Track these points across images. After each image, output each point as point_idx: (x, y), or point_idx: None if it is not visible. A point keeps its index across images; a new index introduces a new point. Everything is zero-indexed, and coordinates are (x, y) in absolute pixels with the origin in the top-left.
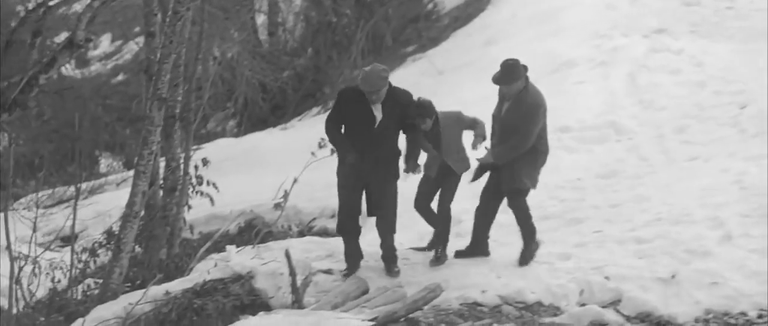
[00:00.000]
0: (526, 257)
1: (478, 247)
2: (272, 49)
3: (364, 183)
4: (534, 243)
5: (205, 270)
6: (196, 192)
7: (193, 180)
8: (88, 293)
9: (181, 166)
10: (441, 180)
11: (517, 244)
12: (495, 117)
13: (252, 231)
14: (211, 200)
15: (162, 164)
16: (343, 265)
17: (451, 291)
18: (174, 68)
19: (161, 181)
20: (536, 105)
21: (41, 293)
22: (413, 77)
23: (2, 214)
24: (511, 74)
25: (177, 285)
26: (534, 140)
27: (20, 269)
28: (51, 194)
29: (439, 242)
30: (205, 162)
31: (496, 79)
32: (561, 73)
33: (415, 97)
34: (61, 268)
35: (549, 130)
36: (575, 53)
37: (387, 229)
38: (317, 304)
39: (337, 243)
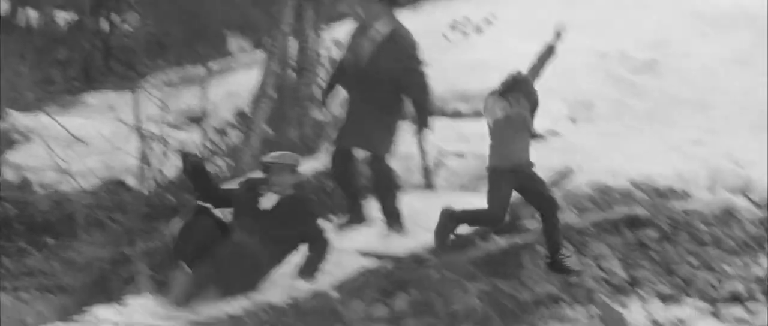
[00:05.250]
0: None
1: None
2: None
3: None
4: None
5: None
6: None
7: (324, 61)
8: (218, 173)
9: (313, 46)
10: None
11: (650, 128)
12: (343, 69)
13: None
14: None
15: (293, 44)
16: (475, 148)
17: (582, 175)
18: None
19: (293, 62)
20: (413, 41)
21: (171, 173)
22: None
23: (132, 94)
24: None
25: (308, 167)
26: None
27: (150, 149)
28: (180, 74)
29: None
30: (336, 43)
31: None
32: None
33: None
34: (192, 148)
35: (684, 14)
36: None
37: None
38: (448, 186)
39: (469, 126)
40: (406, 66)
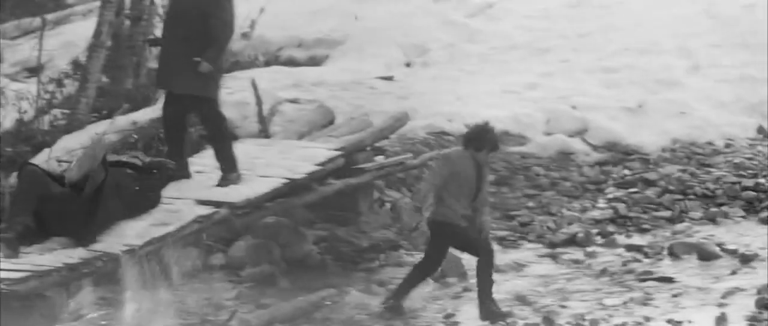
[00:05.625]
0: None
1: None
2: None
3: None
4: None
5: None
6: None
7: (159, 10)
8: (55, 123)
9: None
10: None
11: (485, 72)
12: None
13: None
14: None
15: None
16: (311, 95)
17: (418, 120)
18: None
19: (127, 11)
20: None
21: (8, 124)
22: None
23: None
24: None
25: (144, 115)
26: None
27: None
28: (17, 25)
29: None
30: None
31: None
32: None
33: None
34: (28, 99)
35: None
36: None
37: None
38: (284, 133)
39: (305, 73)
40: (212, 2)
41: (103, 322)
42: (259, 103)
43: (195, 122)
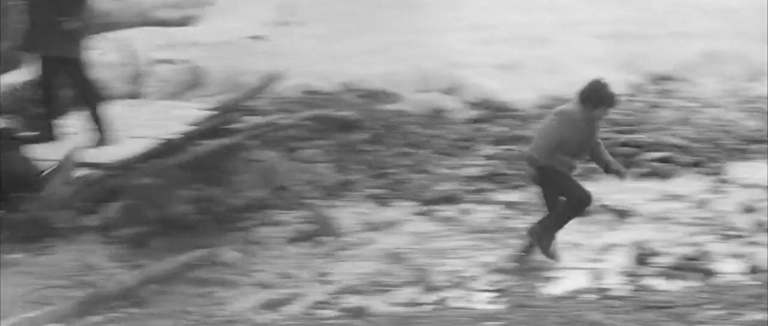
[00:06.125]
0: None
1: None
2: None
3: None
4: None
5: None
6: None
7: None
8: None
9: None
10: None
11: (358, 31)
12: None
13: None
14: None
15: None
16: (183, 55)
17: (291, 79)
18: None
19: None
20: None
21: None
22: None
23: None
24: None
25: (14, 78)
26: None
27: None
28: None
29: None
30: None
31: None
32: None
33: None
34: None
35: None
36: None
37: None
38: (156, 94)
39: (177, 33)
40: None
41: None
42: (131, 63)
43: (66, 83)
